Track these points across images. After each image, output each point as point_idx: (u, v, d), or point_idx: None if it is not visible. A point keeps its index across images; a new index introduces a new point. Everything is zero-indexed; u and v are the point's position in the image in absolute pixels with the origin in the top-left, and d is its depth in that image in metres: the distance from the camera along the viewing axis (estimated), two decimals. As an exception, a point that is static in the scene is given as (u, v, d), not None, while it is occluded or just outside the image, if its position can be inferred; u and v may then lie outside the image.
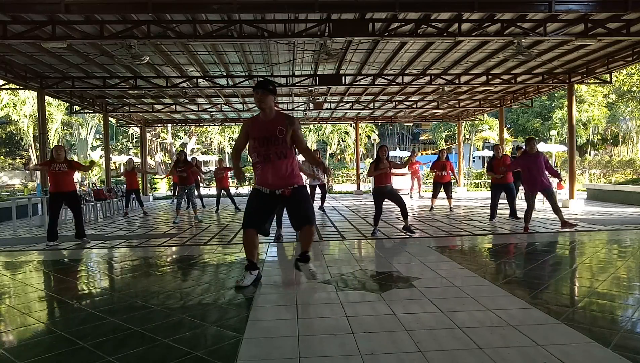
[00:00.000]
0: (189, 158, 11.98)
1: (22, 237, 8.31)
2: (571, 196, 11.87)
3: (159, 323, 3.17)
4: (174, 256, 6.19)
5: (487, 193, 18.86)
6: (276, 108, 4.21)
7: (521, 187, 10.63)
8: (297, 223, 4.16)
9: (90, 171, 15.71)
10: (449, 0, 7.12)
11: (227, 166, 13.71)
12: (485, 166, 9.35)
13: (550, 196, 7.28)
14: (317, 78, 12.09)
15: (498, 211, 9.11)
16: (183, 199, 10.42)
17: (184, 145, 34.41)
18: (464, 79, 12.85)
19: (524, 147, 7.70)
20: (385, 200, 7.30)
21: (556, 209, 7.26)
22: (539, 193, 7.38)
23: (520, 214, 9.06)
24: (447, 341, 2.75)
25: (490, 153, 35.28)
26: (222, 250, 6.43)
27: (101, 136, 33.22)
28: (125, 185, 12.93)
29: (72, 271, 5.34)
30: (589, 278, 4.43)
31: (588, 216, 9.57)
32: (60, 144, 8.25)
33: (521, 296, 3.62)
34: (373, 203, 7.37)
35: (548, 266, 5.04)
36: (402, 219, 7.35)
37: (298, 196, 4.07)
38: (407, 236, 7.16)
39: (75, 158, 32.29)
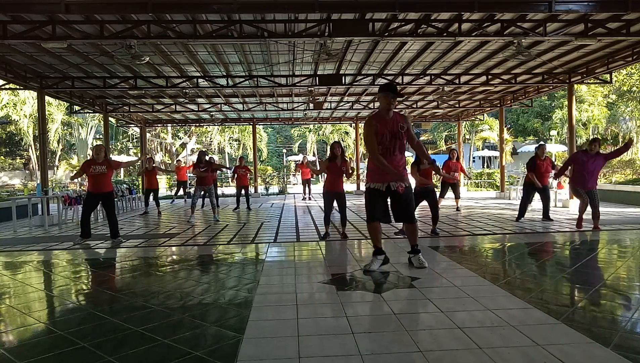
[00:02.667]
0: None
1: (22, 237, 8.31)
2: (571, 197, 11.86)
3: (159, 323, 3.17)
4: (174, 256, 6.19)
5: (487, 193, 18.92)
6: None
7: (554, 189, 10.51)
8: (400, 220, 4.75)
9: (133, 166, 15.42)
10: (449, 0, 7.13)
11: (246, 165, 13.66)
12: (526, 165, 9.05)
13: (593, 199, 7.22)
14: (317, 78, 12.09)
15: (500, 212, 9.08)
16: (198, 199, 10.35)
17: (184, 145, 34.41)
18: (464, 79, 12.86)
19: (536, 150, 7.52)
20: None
21: (595, 214, 7.28)
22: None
23: (537, 215, 9.04)
24: (447, 341, 2.75)
25: (490, 153, 35.33)
26: (222, 249, 6.43)
27: (101, 136, 33.20)
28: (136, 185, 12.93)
29: (72, 271, 5.34)
30: (589, 278, 4.43)
31: (588, 216, 9.54)
32: (100, 144, 8.20)
33: (521, 296, 3.62)
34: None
35: (548, 266, 5.04)
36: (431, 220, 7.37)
37: (408, 195, 4.58)
38: (406, 237, 7.14)
39: (75, 159, 32.38)
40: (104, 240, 7.49)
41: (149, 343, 2.81)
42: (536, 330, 2.88)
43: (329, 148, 7.30)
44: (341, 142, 39.83)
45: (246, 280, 4.44)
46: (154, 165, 12.48)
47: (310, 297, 3.82)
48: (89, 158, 7.44)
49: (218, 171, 12.87)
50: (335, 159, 6.92)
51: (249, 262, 5.55)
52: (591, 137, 31.61)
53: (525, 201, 8.91)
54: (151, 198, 12.21)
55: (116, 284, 4.69)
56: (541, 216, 8.93)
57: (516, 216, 9.02)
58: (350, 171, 7.18)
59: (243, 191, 12.85)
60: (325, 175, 7.26)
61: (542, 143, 10.70)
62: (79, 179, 8.50)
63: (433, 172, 6.97)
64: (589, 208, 7.39)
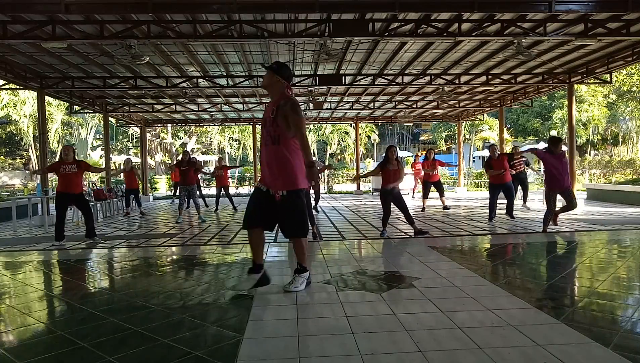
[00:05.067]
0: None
1: (22, 237, 8.31)
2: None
3: (159, 323, 3.17)
4: (174, 256, 6.19)
5: (487, 193, 18.88)
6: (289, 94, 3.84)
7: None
8: (286, 234, 3.91)
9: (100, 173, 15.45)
10: (449, 0, 7.12)
11: (227, 165, 13.70)
12: (483, 166, 9.41)
13: (571, 198, 7.13)
14: (317, 78, 12.10)
15: (500, 212, 9.12)
16: (185, 200, 10.39)
17: (184, 145, 34.40)
18: (464, 79, 12.86)
19: (546, 146, 7.55)
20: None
21: (567, 210, 7.24)
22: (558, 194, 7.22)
23: (538, 215, 9.07)
24: (447, 341, 2.75)
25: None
26: (222, 250, 6.43)
27: (101, 136, 33.22)
28: (124, 185, 12.94)
29: (72, 271, 5.34)
30: (589, 278, 4.43)
31: (588, 216, 9.56)
32: (68, 145, 8.24)
33: (521, 296, 3.62)
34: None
35: (548, 266, 5.04)
36: (407, 223, 7.20)
37: (288, 204, 3.70)
38: (407, 237, 7.15)
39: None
40: (103, 240, 7.49)
41: (149, 343, 2.81)
42: (536, 330, 2.88)
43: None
44: (341, 142, 39.97)
45: (246, 280, 4.43)
46: (131, 166, 12.38)
47: (310, 297, 3.82)
48: (87, 158, 7.45)
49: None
50: None
51: (248, 262, 5.53)
52: (591, 137, 31.73)
53: (493, 200, 8.97)
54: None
55: (116, 284, 4.69)
56: (505, 213, 9.01)
57: (488, 217, 9.04)
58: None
59: (223, 192, 12.81)
60: None
61: (491, 142, 10.82)
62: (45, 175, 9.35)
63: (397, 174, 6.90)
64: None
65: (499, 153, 9.26)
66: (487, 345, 2.64)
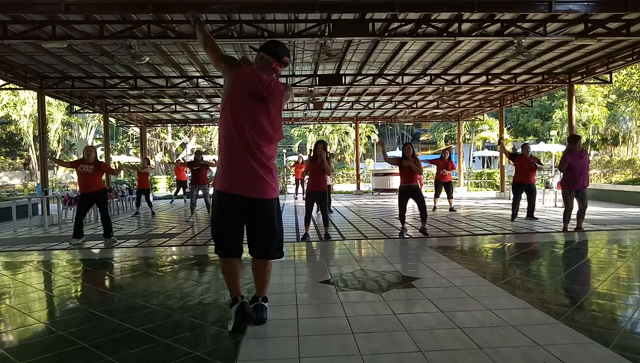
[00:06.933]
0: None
1: (22, 237, 8.31)
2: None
3: (159, 323, 3.17)
4: (174, 256, 6.19)
5: (487, 193, 18.94)
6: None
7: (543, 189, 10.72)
8: (254, 250, 3.32)
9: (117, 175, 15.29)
10: (449, 0, 7.12)
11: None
12: (508, 159, 9.45)
13: (583, 198, 7.15)
14: (317, 78, 12.09)
15: (500, 212, 9.11)
16: (195, 199, 10.34)
17: (184, 145, 34.40)
18: (464, 79, 12.85)
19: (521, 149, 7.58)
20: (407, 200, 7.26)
21: (581, 213, 7.22)
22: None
23: (537, 215, 9.08)
24: (447, 341, 2.75)
25: (490, 153, 35.37)
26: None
27: (101, 136, 33.21)
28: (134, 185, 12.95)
29: (72, 271, 5.34)
30: (589, 278, 4.43)
31: (588, 216, 9.50)
32: (90, 145, 8.21)
33: (521, 296, 3.62)
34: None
35: (548, 266, 5.04)
36: (419, 220, 7.32)
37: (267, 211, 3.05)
38: (407, 237, 7.15)
39: (75, 158, 32.37)
40: (102, 239, 7.48)
41: (149, 343, 2.81)
42: (536, 330, 2.88)
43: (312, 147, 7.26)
44: (341, 142, 39.98)
45: (246, 280, 4.42)
46: (146, 165, 12.43)
47: (310, 297, 3.82)
48: (76, 158, 7.56)
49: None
50: (316, 159, 6.92)
51: (249, 262, 5.53)
52: (591, 137, 31.73)
53: (516, 200, 8.97)
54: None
55: (116, 284, 4.69)
56: (527, 215, 8.96)
57: (511, 216, 9.07)
58: (330, 168, 7.09)
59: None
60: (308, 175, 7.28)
61: (526, 143, 10.79)
62: (64, 169, 9.27)
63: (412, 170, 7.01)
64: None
65: (532, 153, 9.20)
66: (487, 345, 2.64)
